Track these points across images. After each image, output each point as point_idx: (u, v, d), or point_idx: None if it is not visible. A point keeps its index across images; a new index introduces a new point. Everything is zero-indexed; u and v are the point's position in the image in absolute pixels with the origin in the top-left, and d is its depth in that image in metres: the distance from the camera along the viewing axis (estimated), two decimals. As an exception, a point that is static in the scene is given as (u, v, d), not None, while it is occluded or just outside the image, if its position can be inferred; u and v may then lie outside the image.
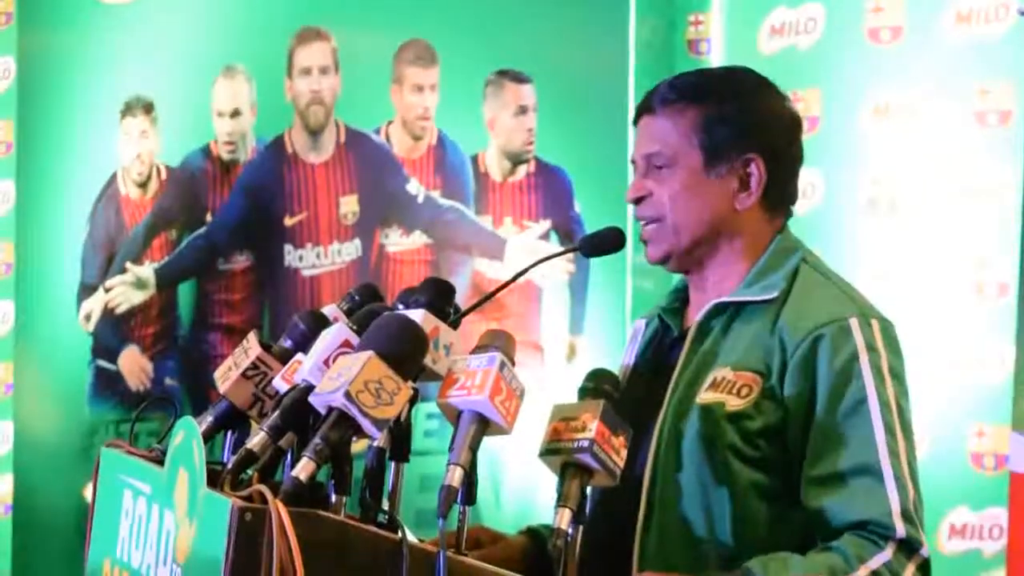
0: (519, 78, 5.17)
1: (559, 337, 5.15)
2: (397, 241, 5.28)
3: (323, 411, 2.18)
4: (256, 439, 2.27)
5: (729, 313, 2.64)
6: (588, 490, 2.52)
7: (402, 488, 2.36)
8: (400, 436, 2.34)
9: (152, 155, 5.54)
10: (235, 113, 5.42)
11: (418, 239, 5.27)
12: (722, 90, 2.67)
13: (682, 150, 2.65)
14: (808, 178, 4.66)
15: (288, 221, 5.35)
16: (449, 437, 2.25)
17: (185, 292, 5.51)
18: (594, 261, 4.70)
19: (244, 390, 2.50)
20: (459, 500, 2.22)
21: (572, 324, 5.15)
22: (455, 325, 2.42)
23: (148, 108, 5.52)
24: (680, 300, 2.78)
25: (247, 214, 5.42)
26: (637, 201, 2.69)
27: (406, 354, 2.23)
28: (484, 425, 2.25)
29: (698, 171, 2.65)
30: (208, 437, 2.47)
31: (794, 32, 4.98)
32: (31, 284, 5.70)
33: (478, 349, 2.33)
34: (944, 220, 4.63)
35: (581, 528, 2.35)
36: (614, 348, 5.03)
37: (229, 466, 2.25)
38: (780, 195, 2.69)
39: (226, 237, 5.44)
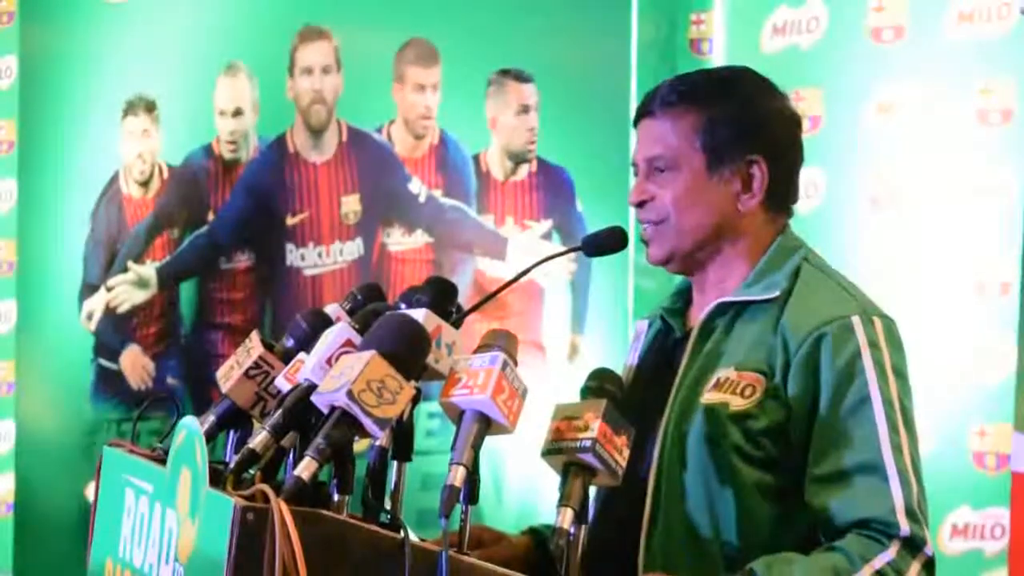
0: (521, 77, 5.16)
1: (561, 336, 5.14)
2: (399, 240, 5.28)
3: (325, 410, 2.18)
4: (258, 438, 2.27)
5: (732, 313, 2.64)
6: (592, 490, 2.53)
7: (404, 487, 2.36)
8: (402, 435, 2.34)
9: (154, 154, 5.55)
10: (237, 112, 5.43)
11: (420, 238, 5.27)
12: (723, 91, 2.67)
13: (684, 153, 2.65)
14: (810, 177, 4.65)
15: (290, 220, 5.36)
16: (451, 436, 2.25)
17: (187, 291, 5.52)
18: (596, 260, 4.69)
19: (246, 389, 2.50)
20: (461, 499, 2.22)
21: (574, 323, 5.14)
22: (457, 324, 2.42)
23: (150, 107, 5.53)
24: (683, 301, 2.78)
25: (249, 213, 5.43)
26: (640, 204, 2.69)
27: (408, 353, 2.23)
28: (486, 424, 2.25)
29: (701, 173, 2.65)
30: (210, 436, 2.47)
31: (796, 31, 4.97)
32: (33, 283, 5.72)
33: (480, 348, 2.33)
34: (946, 219, 4.63)
35: (584, 528, 2.35)
36: (616, 347, 5.02)
37: (231, 465, 2.25)
38: (782, 195, 2.69)
39: (228, 236, 5.44)
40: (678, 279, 2.84)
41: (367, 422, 2.14)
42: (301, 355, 2.42)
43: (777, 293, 2.60)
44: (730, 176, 2.64)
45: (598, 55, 5.13)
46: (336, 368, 2.22)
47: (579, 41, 5.13)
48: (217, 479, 2.21)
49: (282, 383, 2.41)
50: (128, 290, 5.57)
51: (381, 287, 2.69)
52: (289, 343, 2.54)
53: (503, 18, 5.18)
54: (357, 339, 2.33)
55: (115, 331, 5.58)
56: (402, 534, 2.13)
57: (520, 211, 5.19)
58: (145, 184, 5.56)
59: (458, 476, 2.19)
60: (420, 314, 2.33)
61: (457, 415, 2.27)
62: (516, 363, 2.31)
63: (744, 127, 2.64)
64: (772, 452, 2.55)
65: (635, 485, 2.56)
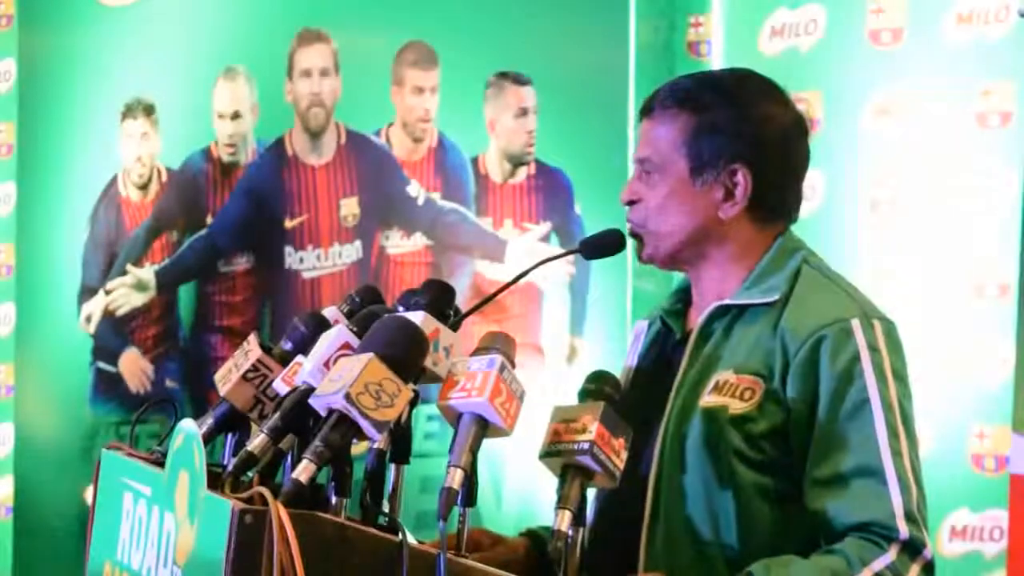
0: (519, 80, 5.16)
1: (560, 339, 5.15)
2: (398, 243, 5.28)
3: (323, 413, 2.18)
4: (256, 441, 2.27)
5: (731, 315, 2.63)
6: (592, 492, 2.53)
7: (402, 490, 2.36)
8: (400, 438, 2.34)
9: (153, 157, 5.54)
10: (236, 115, 5.43)
11: (419, 241, 5.27)
12: (716, 97, 2.64)
13: (670, 158, 2.65)
14: (809, 179, 4.63)
15: (289, 223, 5.36)
16: (449, 439, 2.25)
17: (186, 294, 5.51)
18: (595, 263, 4.69)
19: (244, 392, 2.50)
20: (459, 502, 2.22)
21: (573, 326, 5.14)
22: (455, 327, 2.42)
23: (149, 110, 5.52)
24: (682, 301, 2.78)
25: (248, 216, 5.43)
26: (630, 203, 2.70)
27: (406, 356, 2.23)
28: (484, 427, 2.25)
29: (684, 180, 2.64)
30: (208, 439, 2.47)
31: (795, 33, 4.98)
32: (32, 286, 5.71)
33: (478, 351, 2.33)
34: (945, 221, 4.63)
35: (582, 530, 2.36)
36: (615, 350, 5.02)
37: (229, 468, 2.25)
38: (772, 204, 2.67)
39: (227, 239, 5.44)
40: (677, 281, 2.84)
41: (365, 425, 2.14)
42: (299, 358, 2.42)
43: (777, 296, 2.60)
44: (712, 184, 2.63)
45: (596, 58, 5.13)
46: (334, 371, 2.22)
47: (578, 44, 5.13)
48: (215, 482, 2.21)
49: (280, 386, 2.41)
50: (127, 293, 5.56)
51: (379, 290, 2.69)
52: (287, 346, 2.54)
53: (502, 21, 5.19)
54: (355, 342, 2.33)
55: (114, 334, 5.57)
56: (400, 536, 2.13)
57: (519, 214, 5.19)
58: (144, 187, 5.56)
59: (456, 479, 2.18)
60: (418, 317, 2.33)
61: (455, 418, 2.27)
62: (514, 366, 2.31)
63: (731, 135, 2.62)
64: (772, 455, 2.55)
65: (635, 487, 2.56)
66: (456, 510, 2.24)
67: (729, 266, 2.67)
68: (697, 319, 2.68)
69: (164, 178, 5.53)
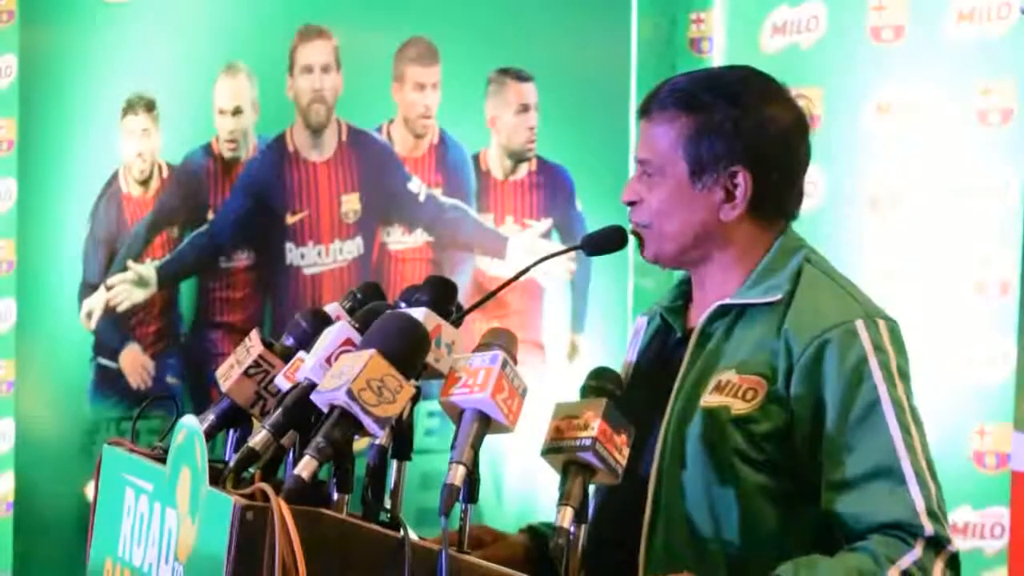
0: (521, 76, 5.16)
1: (561, 335, 5.14)
2: (399, 239, 5.28)
3: (325, 409, 2.18)
4: (258, 437, 2.27)
5: (732, 315, 2.63)
6: (593, 489, 2.53)
7: (404, 486, 2.36)
8: (402, 434, 2.34)
9: (153, 153, 5.54)
10: (237, 111, 5.43)
11: (420, 237, 5.26)
12: (716, 99, 2.62)
13: (669, 160, 2.64)
14: (809, 177, 4.62)
15: (290, 219, 5.36)
16: (451, 435, 2.25)
17: (187, 290, 5.51)
18: (596, 259, 4.69)
19: (246, 388, 2.50)
20: (461, 498, 2.22)
21: (574, 322, 5.14)
22: (457, 323, 2.42)
23: (149, 106, 5.52)
24: (682, 298, 2.77)
25: (248, 212, 5.43)
26: (631, 203, 2.69)
27: (408, 352, 2.23)
28: (486, 423, 2.25)
29: (684, 181, 2.63)
30: (210, 435, 2.47)
31: (796, 31, 4.97)
32: (32, 282, 5.71)
33: (480, 347, 2.33)
34: (946, 219, 4.63)
35: (584, 527, 2.35)
36: (616, 346, 5.02)
37: (231, 464, 2.25)
38: (774, 205, 2.66)
39: (228, 235, 5.44)
40: (677, 277, 2.84)
41: (367, 421, 2.14)
42: (301, 354, 2.42)
43: (779, 296, 2.59)
44: (712, 186, 2.62)
45: (598, 54, 5.12)
46: (336, 367, 2.22)
47: (579, 40, 5.13)
48: (217, 478, 2.21)
49: (282, 382, 2.41)
50: (128, 289, 5.56)
51: (380, 286, 2.69)
52: (289, 342, 2.54)
53: (503, 17, 5.18)
54: (357, 338, 2.33)
55: (115, 330, 5.57)
56: (402, 533, 2.13)
57: (520, 210, 5.18)
58: (145, 183, 5.56)
59: (458, 475, 2.19)
60: (420, 313, 2.33)
61: (457, 414, 2.27)
62: (516, 362, 2.31)
63: (730, 137, 2.60)
64: (774, 456, 2.54)
65: (636, 485, 2.56)
66: (458, 506, 2.24)
67: (731, 266, 2.67)
68: (698, 317, 2.67)
69: (165, 174, 5.53)
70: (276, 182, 5.37)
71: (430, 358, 2.30)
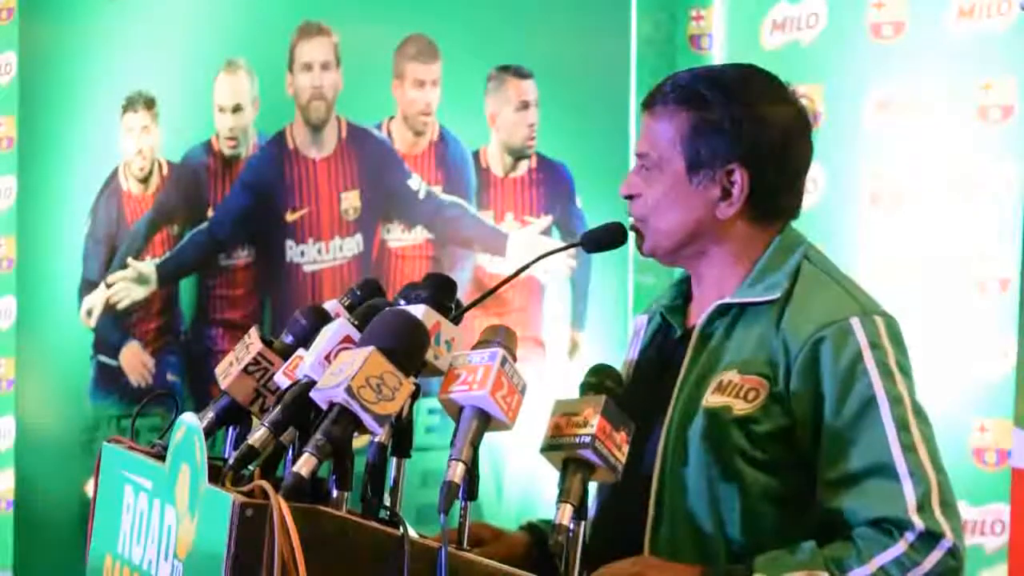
0: (520, 73, 5.16)
1: (561, 332, 5.14)
2: (399, 236, 5.28)
3: (324, 407, 2.18)
4: (257, 435, 2.27)
5: (732, 314, 2.62)
6: (596, 488, 2.53)
7: (403, 484, 2.36)
8: (401, 432, 2.34)
9: (153, 150, 5.54)
10: (236, 108, 5.42)
11: (420, 234, 5.26)
12: (717, 95, 2.61)
13: (667, 156, 2.64)
14: (810, 173, 4.64)
15: (289, 216, 5.35)
16: (450, 432, 2.25)
17: (186, 287, 5.51)
18: (596, 256, 4.68)
19: (245, 386, 2.50)
20: (461, 496, 2.22)
21: (574, 319, 5.14)
22: (457, 321, 2.42)
23: (149, 103, 5.52)
24: (682, 297, 2.77)
25: (248, 209, 5.42)
26: (629, 197, 2.69)
27: (408, 350, 2.23)
28: (486, 421, 2.25)
29: (681, 177, 2.63)
30: (209, 433, 2.47)
31: (796, 27, 4.97)
32: (32, 279, 5.71)
33: (480, 344, 2.33)
34: (946, 215, 4.63)
35: (583, 523, 2.35)
36: (616, 343, 5.02)
37: (230, 462, 2.25)
38: (771, 204, 2.66)
39: (227, 232, 5.44)
40: (677, 274, 2.84)
41: (366, 418, 2.14)
42: (300, 351, 2.42)
43: (778, 294, 2.59)
44: (709, 183, 2.62)
45: (598, 51, 5.12)
46: (335, 364, 2.22)
47: (579, 37, 5.12)
48: (216, 475, 2.21)
49: (281, 379, 2.41)
50: (128, 286, 5.56)
51: (380, 283, 2.68)
52: (288, 339, 2.54)
53: (503, 14, 5.18)
54: (356, 335, 2.33)
55: (115, 327, 5.57)
56: (401, 530, 2.13)
57: (520, 207, 5.18)
58: (145, 180, 5.56)
59: (457, 472, 2.19)
60: (419, 310, 2.33)
61: (456, 411, 2.27)
62: (515, 359, 2.31)
63: (728, 135, 2.60)
64: (776, 456, 2.54)
65: (638, 482, 2.56)
66: (457, 504, 2.24)
67: (729, 264, 2.66)
68: (698, 316, 2.67)
69: (165, 171, 5.53)
70: (276, 179, 5.37)
71: (429, 355, 2.30)
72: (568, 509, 2.31)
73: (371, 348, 2.18)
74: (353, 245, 5.31)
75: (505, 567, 2.25)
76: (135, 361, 5.54)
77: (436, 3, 5.23)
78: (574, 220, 5.10)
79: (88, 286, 5.62)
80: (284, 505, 2.04)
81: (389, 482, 2.35)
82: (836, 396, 2.52)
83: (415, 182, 5.26)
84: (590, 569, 2.43)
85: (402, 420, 2.32)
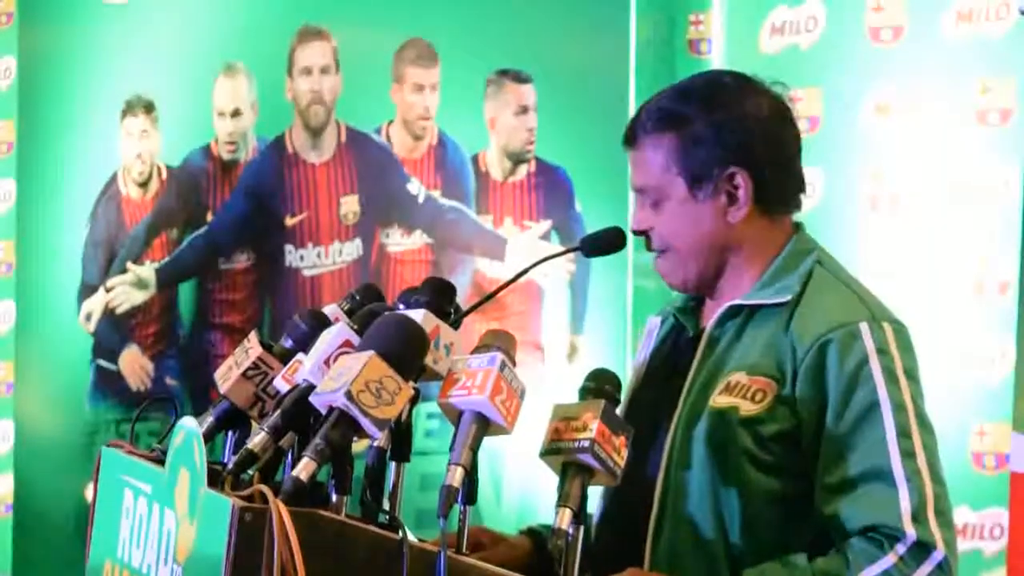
0: (520, 78, 5.16)
1: (560, 337, 5.14)
2: (398, 241, 5.28)
3: (324, 411, 2.18)
4: (257, 439, 2.27)
5: (743, 315, 2.63)
6: (600, 490, 2.53)
7: (403, 488, 2.36)
8: (400, 436, 2.34)
9: (153, 155, 5.54)
10: (236, 113, 5.42)
11: (419, 239, 5.26)
12: (695, 110, 2.64)
13: (666, 181, 2.65)
14: (809, 177, 4.63)
15: (289, 221, 5.35)
16: (450, 437, 2.25)
17: (186, 292, 5.51)
18: (595, 261, 4.69)
19: (245, 390, 2.50)
20: (460, 500, 2.23)
21: (573, 324, 5.14)
22: (456, 325, 2.42)
23: (149, 108, 5.52)
24: (696, 298, 2.77)
25: (248, 214, 5.42)
26: (643, 233, 2.70)
27: (407, 354, 2.23)
28: (485, 425, 2.25)
29: (686, 197, 2.65)
30: (209, 437, 2.47)
31: (795, 31, 4.98)
32: (32, 284, 5.71)
33: (479, 349, 2.33)
34: (945, 219, 4.63)
35: (582, 528, 2.35)
36: (616, 348, 5.02)
37: (230, 466, 2.26)
38: (776, 195, 2.67)
39: (227, 237, 5.44)
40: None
41: (365, 423, 2.14)
42: (299, 356, 2.42)
43: (789, 297, 2.60)
44: (714, 193, 2.64)
45: (597, 55, 5.13)
46: (334, 369, 2.22)
47: (578, 41, 5.13)
48: (215, 480, 2.21)
49: (280, 384, 2.41)
50: (127, 291, 5.56)
51: (379, 287, 2.69)
52: (287, 344, 2.54)
53: (502, 18, 5.18)
54: (355, 340, 2.33)
55: (114, 332, 5.57)
56: (400, 534, 2.13)
57: (519, 211, 5.18)
58: (144, 185, 5.56)
59: (456, 476, 2.19)
60: (419, 315, 2.33)
61: (455, 416, 2.27)
62: (514, 363, 2.31)
63: (718, 142, 2.62)
64: (781, 458, 2.55)
65: (642, 485, 2.57)
66: (457, 508, 2.24)
67: (744, 267, 2.67)
68: (710, 317, 2.68)
69: (164, 176, 5.53)
70: (275, 184, 5.37)
71: (429, 360, 2.30)
72: (567, 513, 2.31)
73: (370, 352, 2.18)
74: (352, 249, 5.31)
75: (504, 572, 2.25)
76: (134, 365, 5.54)
77: (435, 7, 5.24)
78: (573, 224, 5.11)
79: (87, 290, 5.62)
80: (283, 509, 2.04)
81: (388, 486, 2.35)
82: (839, 400, 2.52)
83: (414, 186, 5.26)
84: (592, 572, 2.44)
85: (401, 424, 2.32)
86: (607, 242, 2.77)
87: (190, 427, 2.27)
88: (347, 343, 2.33)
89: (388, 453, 2.35)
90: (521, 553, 2.70)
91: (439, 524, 2.11)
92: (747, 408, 2.55)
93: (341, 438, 2.15)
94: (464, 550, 2.31)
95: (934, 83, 4.67)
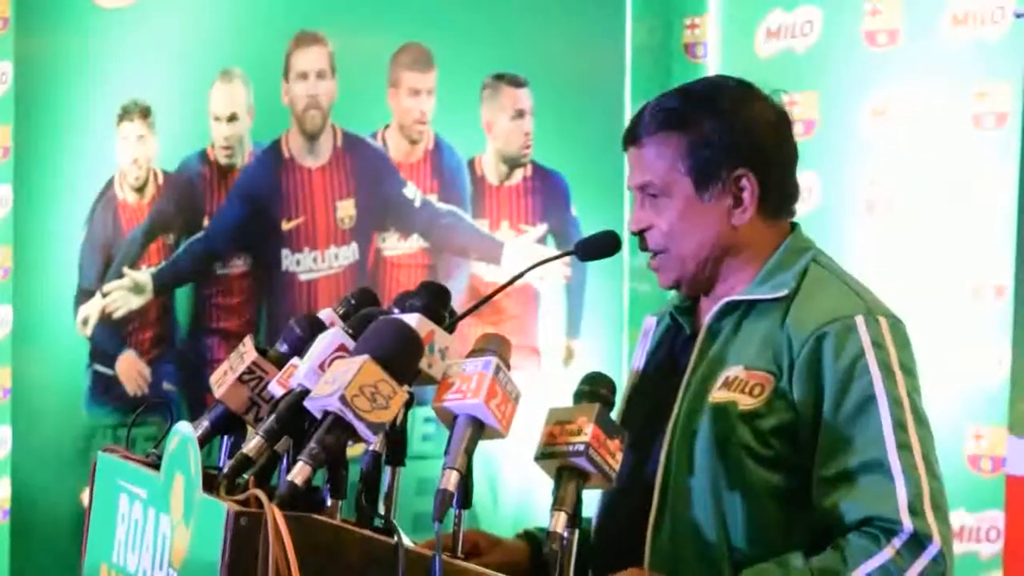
0: (516, 82, 5.17)
1: (557, 340, 5.15)
2: (394, 245, 5.28)
3: (319, 415, 2.18)
4: (252, 444, 2.27)
5: (740, 312, 2.64)
6: (599, 492, 2.53)
7: (398, 492, 2.36)
8: (395, 440, 2.34)
9: (149, 159, 5.54)
10: (232, 117, 5.42)
11: (415, 243, 5.27)
12: (701, 112, 2.65)
13: (672, 179, 2.65)
14: (806, 180, 4.64)
15: (285, 225, 5.36)
16: (446, 441, 2.25)
17: (182, 296, 5.51)
18: (591, 264, 4.69)
19: (240, 395, 2.50)
20: (455, 504, 2.23)
21: (569, 327, 5.15)
22: (451, 329, 2.42)
23: (145, 112, 5.52)
24: (692, 298, 2.78)
25: (244, 218, 5.42)
26: (639, 232, 2.70)
27: (401, 358, 2.23)
28: (480, 429, 2.25)
29: (691, 197, 2.65)
30: (204, 442, 2.47)
31: (791, 35, 4.98)
32: (29, 288, 5.71)
33: (473, 353, 2.33)
34: (941, 222, 4.64)
35: (577, 531, 2.36)
36: (611, 351, 5.03)
37: (225, 470, 2.25)
38: (777, 199, 2.69)
39: (223, 241, 5.44)
40: (674, 281, 2.84)
41: (360, 427, 2.14)
42: (294, 360, 2.42)
43: (785, 292, 2.61)
44: (720, 194, 2.64)
45: (593, 59, 5.14)
46: (329, 373, 2.22)
47: (574, 45, 5.14)
48: (211, 484, 2.21)
49: (275, 388, 2.41)
50: (124, 296, 5.56)
51: (374, 292, 2.69)
52: (283, 348, 2.54)
53: (498, 23, 5.19)
54: (350, 344, 2.33)
55: (111, 337, 5.57)
56: (396, 538, 2.13)
57: (515, 215, 5.19)
58: (140, 190, 5.56)
59: (451, 480, 2.19)
60: (413, 319, 2.33)
61: (450, 420, 2.27)
62: (509, 367, 2.31)
63: (726, 144, 2.63)
64: (781, 452, 2.55)
65: (642, 482, 2.57)
66: (452, 512, 2.24)
67: (742, 270, 2.68)
68: (706, 315, 2.69)
69: (160, 180, 5.53)
70: (272, 188, 5.37)
71: (423, 364, 2.30)
72: (562, 517, 2.31)
73: (365, 357, 2.18)
74: (349, 254, 5.32)
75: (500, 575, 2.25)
76: (131, 370, 5.54)
77: (431, 12, 5.24)
78: (569, 228, 5.11)
79: (84, 295, 5.62)
80: (278, 514, 2.04)
81: (384, 490, 2.35)
82: (835, 393, 2.53)
83: (410, 191, 5.26)
84: (592, 572, 2.43)
85: (396, 429, 2.32)
86: (602, 246, 2.77)
87: (185, 432, 2.27)
88: (342, 347, 2.33)
89: (383, 457, 2.34)
90: (518, 557, 2.70)
91: (435, 528, 2.12)
92: (745, 403, 2.56)
93: (336, 442, 2.15)
94: (459, 554, 2.31)
95: (930, 87, 4.68)
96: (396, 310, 2.45)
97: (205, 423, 2.51)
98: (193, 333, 5.49)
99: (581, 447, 2.33)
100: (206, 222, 5.46)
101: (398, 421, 2.30)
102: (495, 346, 2.33)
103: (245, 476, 2.27)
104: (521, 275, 2.77)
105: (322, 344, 2.35)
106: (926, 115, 4.68)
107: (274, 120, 5.37)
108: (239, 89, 5.41)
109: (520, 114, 5.18)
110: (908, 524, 2.46)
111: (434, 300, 2.43)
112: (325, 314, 2.62)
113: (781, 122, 2.70)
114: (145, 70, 5.52)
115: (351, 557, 2.11)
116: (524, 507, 4.94)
